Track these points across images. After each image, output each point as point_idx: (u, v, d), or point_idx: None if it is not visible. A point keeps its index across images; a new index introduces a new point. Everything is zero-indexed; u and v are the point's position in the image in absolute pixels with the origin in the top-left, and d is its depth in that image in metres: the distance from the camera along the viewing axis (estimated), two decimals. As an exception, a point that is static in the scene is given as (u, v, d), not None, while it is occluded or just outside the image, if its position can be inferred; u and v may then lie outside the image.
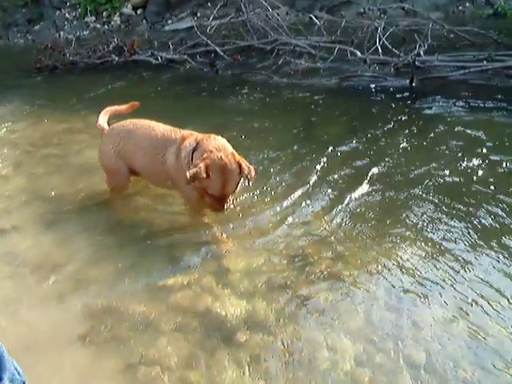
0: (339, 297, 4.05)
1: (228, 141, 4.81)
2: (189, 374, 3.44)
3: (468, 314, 3.76)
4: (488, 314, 3.75)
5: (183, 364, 3.52)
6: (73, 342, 3.75)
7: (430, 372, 3.34)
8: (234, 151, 4.66)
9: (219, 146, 4.61)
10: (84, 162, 6.40)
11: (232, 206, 4.98)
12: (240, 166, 4.54)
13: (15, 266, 4.62)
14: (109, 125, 5.54)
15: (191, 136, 4.85)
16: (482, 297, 3.90)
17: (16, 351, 2.86)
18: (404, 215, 5.01)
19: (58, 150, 6.96)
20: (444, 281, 4.11)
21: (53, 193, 5.77)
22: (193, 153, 4.65)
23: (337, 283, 4.19)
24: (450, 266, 4.26)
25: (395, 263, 4.35)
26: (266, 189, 5.52)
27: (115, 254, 4.67)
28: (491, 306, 3.81)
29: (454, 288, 4.02)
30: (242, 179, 4.68)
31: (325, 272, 4.32)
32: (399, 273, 4.24)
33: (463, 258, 4.36)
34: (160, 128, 5.12)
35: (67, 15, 17.72)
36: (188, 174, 4.42)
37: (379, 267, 4.33)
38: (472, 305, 3.84)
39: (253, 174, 4.65)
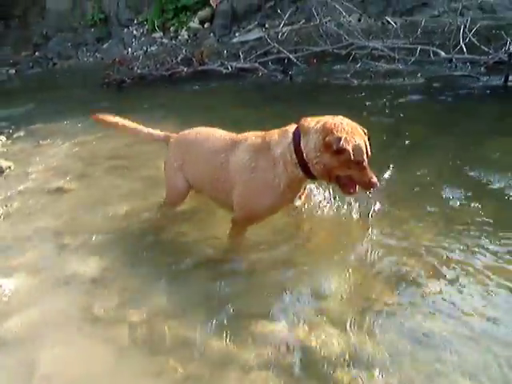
0: (457, 328, 3.33)
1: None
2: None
3: None
4: None
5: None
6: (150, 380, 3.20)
7: None
8: None
9: (323, 118, 3.85)
10: (152, 174, 5.93)
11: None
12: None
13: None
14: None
15: (272, 132, 4.11)
16: None
17: None
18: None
19: (126, 162, 6.53)
20: None
21: (122, 208, 5.25)
22: (298, 144, 3.84)
23: (453, 311, 3.47)
24: None
25: None
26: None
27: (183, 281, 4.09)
28: None
29: None
30: None
31: (436, 296, 3.62)
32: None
33: None
34: (221, 132, 4.54)
35: (135, 32, 17.69)
36: (346, 146, 3.60)
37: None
38: None
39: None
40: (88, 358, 3.39)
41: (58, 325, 3.69)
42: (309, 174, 3.92)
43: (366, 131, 3.86)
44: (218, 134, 4.52)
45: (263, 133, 4.16)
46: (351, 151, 3.63)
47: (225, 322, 3.55)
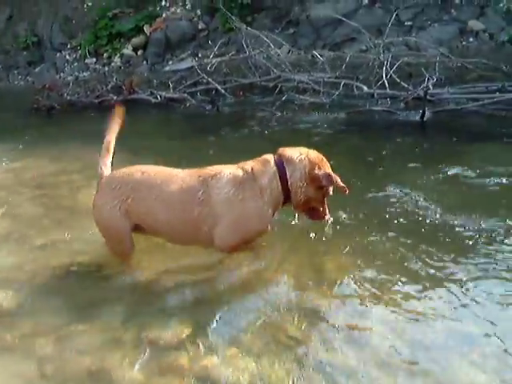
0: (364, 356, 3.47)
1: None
2: None
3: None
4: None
5: None
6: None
7: None
8: None
9: (300, 149, 4.38)
10: (77, 204, 5.96)
11: None
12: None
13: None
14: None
15: (246, 164, 4.31)
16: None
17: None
18: (414, 258, 4.50)
19: (49, 191, 6.52)
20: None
21: (42, 240, 5.24)
22: (284, 173, 4.22)
23: (358, 339, 3.63)
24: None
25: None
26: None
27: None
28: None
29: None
30: None
31: (341, 326, 3.76)
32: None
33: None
34: (178, 171, 4.41)
35: (67, 57, 17.61)
36: (339, 181, 4.26)
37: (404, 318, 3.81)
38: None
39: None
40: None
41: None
42: (286, 201, 4.33)
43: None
44: (176, 172, 4.41)
45: (236, 165, 4.33)
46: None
47: (137, 353, 3.60)
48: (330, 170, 4.28)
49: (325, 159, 4.35)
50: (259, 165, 4.26)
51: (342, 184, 4.28)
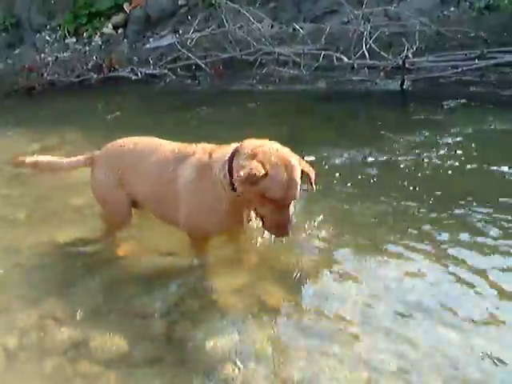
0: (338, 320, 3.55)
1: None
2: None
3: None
4: None
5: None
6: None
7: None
8: None
9: (267, 142, 3.58)
10: (55, 181, 5.92)
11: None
12: (300, 163, 3.57)
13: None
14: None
15: (219, 148, 3.87)
16: None
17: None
18: (400, 223, 4.60)
19: (29, 170, 6.43)
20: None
21: (21, 216, 5.29)
22: (230, 163, 3.63)
23: (335, 303, 3.70)
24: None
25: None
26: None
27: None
28: None
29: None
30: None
31: (319, 290, 3.86)
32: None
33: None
34: (168, 143, 4.22)
35: (47, 37, 17.37)
36: (242, 174, 3.31)
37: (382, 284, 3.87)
38: None
39: (313, 173, 3.70)
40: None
41: None
42: None
43: (305, 168, 3.62)
44: (165, 146, 4.20)
45: (213, 147, 3.94)
46: (249, 186, 3.38)
47: (114, 322, 3.68)
48: (276, 172, 3.38)
49: (286, 159, 3.45)
50: (221, 152, 3.79)
51: (276, 194, 3.43)
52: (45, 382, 3.26)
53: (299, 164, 3.53)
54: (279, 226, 3.60)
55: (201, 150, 3.93)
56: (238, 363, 3.22)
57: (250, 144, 3.59)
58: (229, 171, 3.62)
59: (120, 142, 4.46)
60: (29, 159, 4.80)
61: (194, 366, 3.24)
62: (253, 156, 3.42)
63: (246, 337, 3.43)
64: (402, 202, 4.89)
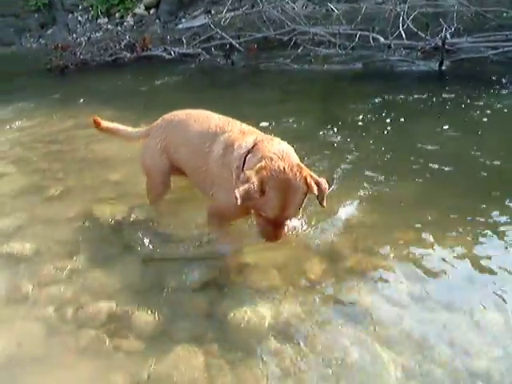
0: (375, 299, 3.48)
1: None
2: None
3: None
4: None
5: (198, 381, 2.97)
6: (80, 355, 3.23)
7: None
8: (300, 162, 3.51)
9: (282, 152, 3.46)
10: (92, 156, 5.95)
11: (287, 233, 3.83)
12: (306, 181, 3.38)
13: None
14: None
15: (251, 134, 3.81)
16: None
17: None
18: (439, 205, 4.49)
19: (65, 146, 6.51)
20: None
21: (58, 191, 5.26)
22: (246, 156, 3.59)
23: (371, 283, 3.64)
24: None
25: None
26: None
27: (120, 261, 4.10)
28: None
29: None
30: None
31: (358, 270, 3.77)
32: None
33: None
34: (215, 117, 4.18)
35: (80, 18, 17.41)
36: (237, 193, 3.25)
37: (417, 265, 3.78)
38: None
39: (324, 191, 3.49)
40: (18, 336, 3.40)
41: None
42: None
43: (314, 186, 3.41)
44: (212, 119, 4.16)
45: (247, 130, 3.92)
46: (241, 201, 3.27)
47: (153, 298, 3.62)
48: (274, 193, 3.32)
49: (288, 179, 3.33)
50: (244, 139, 3.74)
51: (269, 215, 3.41)
52: (83, 355, 3.22)
53: (306, 179, 3.39)
54: (270, 238, 3.60)
55: (236, 130, 3.92)
56: (280, 340, 3.17)
57: (268, 149, 3.51)
58: (243, 164, 3.61)
59: (174, 113, 4.49)
60: (105, 123, 4.84)
61: (235, 343, 3.18)
62: (258, 170, 3.35)
63: (286, 313, 3.38)
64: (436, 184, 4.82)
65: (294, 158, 3.53)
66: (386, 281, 3.63)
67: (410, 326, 3.23)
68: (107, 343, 3.27)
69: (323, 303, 3.47)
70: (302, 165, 3.48)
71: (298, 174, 3.36)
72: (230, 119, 4.14)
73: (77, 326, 3.43)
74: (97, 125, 4.80)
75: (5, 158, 6.34)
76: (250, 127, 4.04)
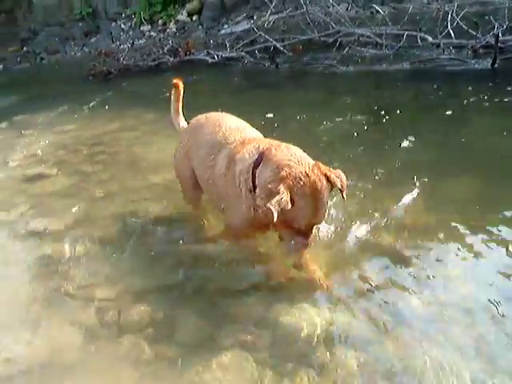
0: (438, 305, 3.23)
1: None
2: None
3: None
4: None
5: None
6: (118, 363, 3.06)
7: None
8: (316, 161, 3.29)
9: (296, 156, 3.25)
10: (133, 159, 5.85)
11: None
12: (329, 178, 3.19)
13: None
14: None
15: (252, 142, 3.55)
16: None
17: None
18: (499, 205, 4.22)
19: (107, 148, 6.44)
20: None
21: (99, 192, 5.19)
22: (255, 167, 3.32)
23: (433, 287, 3.38)
24: None
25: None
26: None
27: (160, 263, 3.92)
28: None
29: None
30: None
31: (417, 274, 3.51)
32: None
33: None
34: (227, 124, 3.87)
35: (123, 26, 17.51)
36: (272, 208, 2.96)
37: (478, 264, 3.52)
38: None
39: (345, 182, 3.29)
40: (55, 340, 3.26)
41: (25, 304, 3.59)
42: None
43: (335, 180, 3.21)
44: (226, 125, 3.89)
45: (248, 140, 3.62)
46: (276, 216, 2.98)
47: (197, 302, 3.44)
48: (301, 199, 3.09)
49: (312, 181, 3.12)
50: (247, 150, 3.48)
51: (301, 224, 3.19)
52: (122, 362, 3.04)
53: (329, 176, 3.20)
54: (299, 249, 3.38)
55: (239, 141, 3.65)
56: (330, 348, 2.96)
57: (280, 156, 3.26)
58: (252, 175, 3.34)
59: (200, 116, 4.27)
60: (181, 91, 4.60)
61: (287, 353, 2.97)
62: (281, 179, 3.10)
63: (340, 321, 3.15)
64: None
65: (309, 159, 3.30)
66: (449, 287, 3.36)
67: (479, 334, 2.96)
68: (148, 350, 3.09)
69: (379, 310, 3.22)
70: (319, 163, 3.26)
71: (319, 174, 3.16)
72: (241, 126, 3.89)
73: (117, 331, 3.28)
74: (176, 86, 4.57)
75: (48, 160, 6.31)
76: (254, 134, 3.79)
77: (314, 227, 3.32)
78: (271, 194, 3.04)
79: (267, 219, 3.07)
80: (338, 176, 3.24)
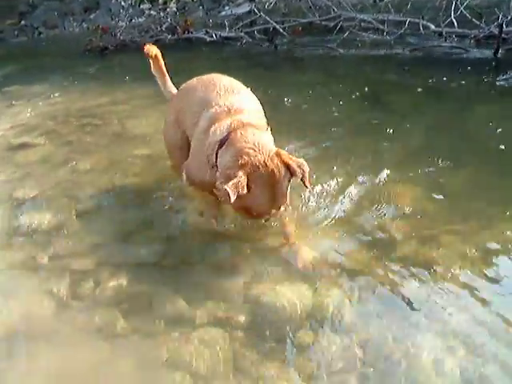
0: (428, 289, 3.12)
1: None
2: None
3: None
4: None
5: (221, 371, 2.64)
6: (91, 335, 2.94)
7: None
8: (278, 148, 3.33)
9: (257, 144, 3.25)
10: (122, 131, 5.75)
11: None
12: (289, 167, 3.23)
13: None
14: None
15: (228, 116, 3.52)
16: None
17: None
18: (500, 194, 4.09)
19: (97, 120, 6.32)
20: None
21: (85, 163, 5.07)
22: (219, 147, 3.37)
23: (423, 272, 3.26)
24: None
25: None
26: (333, 161, 4.58)
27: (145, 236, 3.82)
28: None
29: None
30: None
31: (409, 257, 3.40)
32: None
33: None
34: (220, 83, 3.80)
35: (123, 3, 17.28)
36: (229, 190, 3.02)
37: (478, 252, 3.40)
38: None
39: (306, 172, 3.27)
40: (25, 309, 3.16)
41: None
42: None
43: (296, 168, 3.23)
44: (216, 82, 3.84)
45: (234, 109, 3.57)
46: (234, 199, 3.05)
47: (176, 277, 3.35)
48: (260, 186, 3.17)
49: (277, 172, 3.19)
50: (222, 124, 3.47)
51: (258, 211, 3.31)
52: (95, 334, 2.93)
53: (289, 165, 3.23)
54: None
55: (226, 107, 3.61)
56: (313, 329, 2.85)
57: (242, 141, 3.28)
58: (216, 153, 3.40)
59: (193, 79, 4.19)
60: (158, 56, 4.61)
61: (265, 330, 2.86)
62: (240, 167, 3.15)
63: (326, 301, 3.02)
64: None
65: (271, 146, 3.34)
66: (439, 272, 3.24)
67: (457, 321, 2.85)
68: (124, 324, 2.98)
69: (368, 292, 3.11)
70: (281, 150, 3.31)
71: (279, 162, 3.21)
72: (235, 86, 3.84)
73: (92, 303, 3.16)
74: (151, 56, 4.58)
75: (36, 129, 6.19)
76: (239, 104, 3.66)
77: (273, 214, 3.36)
78: (229, 179, 3.09)
79: (226, 201, 3.18)
80: (300, 165, 3.26)
